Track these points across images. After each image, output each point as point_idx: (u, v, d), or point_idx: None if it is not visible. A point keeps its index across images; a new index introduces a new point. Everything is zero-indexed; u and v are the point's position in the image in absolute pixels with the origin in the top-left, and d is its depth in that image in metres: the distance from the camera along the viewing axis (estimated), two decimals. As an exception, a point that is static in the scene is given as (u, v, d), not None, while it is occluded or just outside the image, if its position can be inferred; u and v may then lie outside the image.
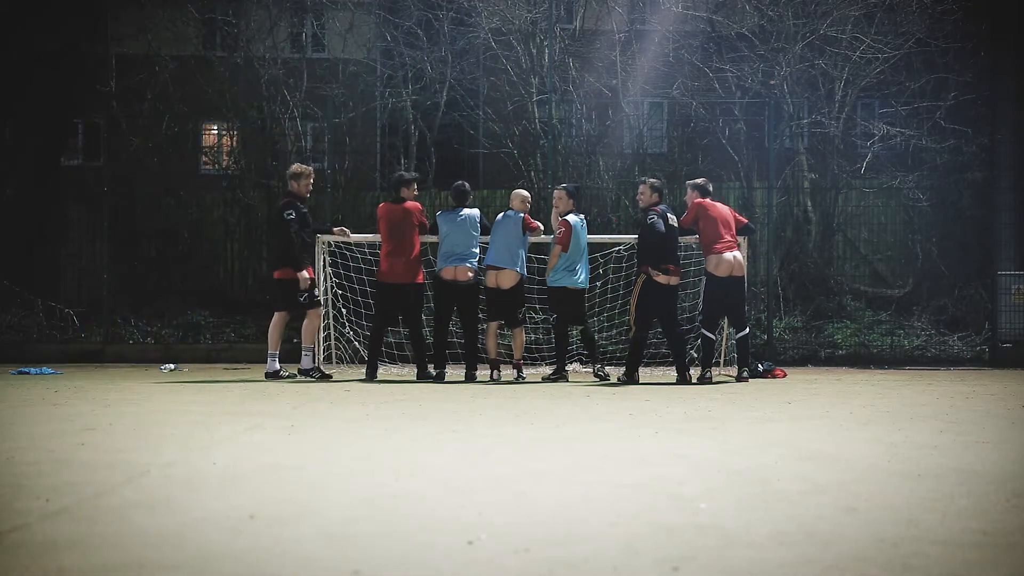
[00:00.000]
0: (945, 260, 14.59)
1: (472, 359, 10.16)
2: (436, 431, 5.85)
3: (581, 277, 10.04)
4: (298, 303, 9.98)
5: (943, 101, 14.24)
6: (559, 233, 9.99)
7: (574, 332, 11.01)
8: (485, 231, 10.14)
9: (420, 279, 10.15)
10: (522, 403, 7.65)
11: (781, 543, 3.13)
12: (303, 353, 10.05)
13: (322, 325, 10.52)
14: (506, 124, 14.92)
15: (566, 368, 10.25)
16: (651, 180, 10.15)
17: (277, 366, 9.97)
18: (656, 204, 9.87)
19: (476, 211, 10.24)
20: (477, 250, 10.07)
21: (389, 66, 15.67)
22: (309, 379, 9.83)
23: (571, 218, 10.01)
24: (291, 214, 9.82)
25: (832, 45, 14.27)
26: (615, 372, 10.24)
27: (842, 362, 13.11)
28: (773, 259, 14.05)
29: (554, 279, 10.03)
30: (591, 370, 10.44)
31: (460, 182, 10.43)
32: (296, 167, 10.27)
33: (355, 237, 10.87)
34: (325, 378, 9.95)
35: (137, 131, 14.97)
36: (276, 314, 10.10)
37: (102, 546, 3.07)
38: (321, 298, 10.27)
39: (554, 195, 10.49)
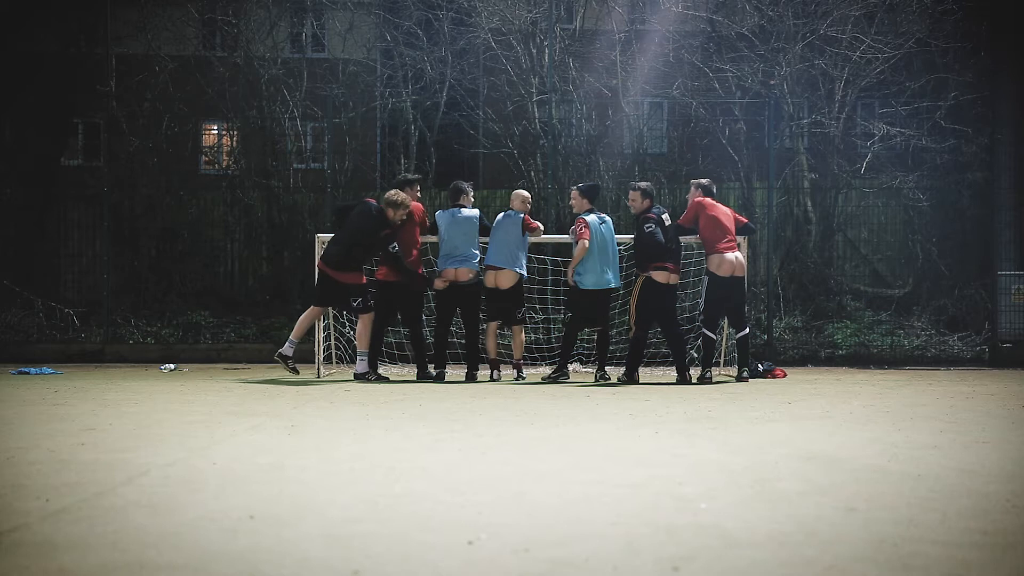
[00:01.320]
0: (945, 260, 14.58)
1: (473, 359, 10.16)
2: (436, 431, 5.85)
3: (605, 278, 9.91)
4: (350, 306, 10.00)
5: (943, 101, 14.23)
6: (579, 231, 9.91)
7: (582, 333, 10.95)
8: (485, 231, 10.13)
9: (419, 279, 10.15)
10: (522, 403, 7.65)
11: (781, 543, 3.13)
12: (359, 358, 10.01)
13: (322, 325, 10.53)
14: (506, 124, 14.92)
15: (567, 368, 10.23)
16: (640, 185, 10.07)
17: (292, 353, 9.92)
18: (648, 209, 9.85)
19: (476, 211, 10.24)
20: (477, 251, 10.06)
21: (389, 66, 15.66)
22: (366, 381, 9.77)
23: (589, 217, 9.96)
24: (395, 246, 9.82)
25: (832, 45, 14.26)
26: (615, 372, 10.24)
27: (842, 362, 13.11)
28: (773, 259, 14.04)
29: (576, 279, 9.95)
30: (592, 371, 10.42)
31: (456, 180, 10.43)
32: (401, 197, 9.96)
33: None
34: (382, 380, 9.93)
35: (137, 131, 14.97)
36: (313, 308, 10.06)
37: (102, 546, 3.07)
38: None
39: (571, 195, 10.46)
